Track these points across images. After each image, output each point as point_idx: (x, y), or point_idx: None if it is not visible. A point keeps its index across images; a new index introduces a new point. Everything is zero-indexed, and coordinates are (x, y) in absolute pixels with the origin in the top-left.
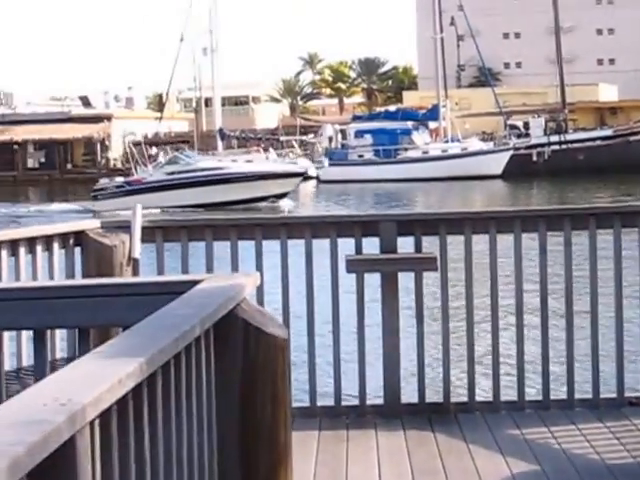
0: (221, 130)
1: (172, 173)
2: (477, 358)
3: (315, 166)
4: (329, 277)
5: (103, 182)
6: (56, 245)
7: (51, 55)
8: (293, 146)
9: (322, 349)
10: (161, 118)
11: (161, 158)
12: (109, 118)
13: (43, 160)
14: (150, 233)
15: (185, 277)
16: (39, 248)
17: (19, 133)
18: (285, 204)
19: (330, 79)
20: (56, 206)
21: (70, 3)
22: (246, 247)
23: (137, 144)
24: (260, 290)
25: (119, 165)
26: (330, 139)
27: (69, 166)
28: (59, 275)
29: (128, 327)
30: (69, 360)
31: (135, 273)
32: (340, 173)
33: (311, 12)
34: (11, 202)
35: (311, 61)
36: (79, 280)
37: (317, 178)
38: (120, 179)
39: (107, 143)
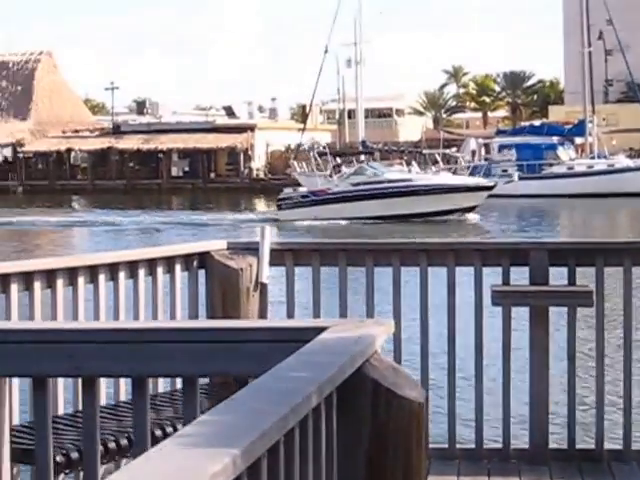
0: (364, 142)
1: (358, 184)
2: (635, 402)
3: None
4: (472, 309)
5: (287, 191)
6: (178, 267)
7: (197, 65)
8: (436, 160)
9: (463, 386)
10: (304, 129)
11: (345, 169)
12: (252, 128)
13: (187, 169)
14: (279, 256)
15: (307, 323)
16: (160, 270)
17: (164, 142)
18: (472, 217)
19: (474, 92)
20: (234, 215)
21: (216, 16)
22: (382, 274)
23: (322, 154)
24: (397, 322)
25: (262, 175)
26: (473, 153)
27: (212, 175)
28: (181, 299)
29: (237, 378)
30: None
31: (262, 299)
32: None
33: (456, 25)
34: (190, 210)
35: (455, 74)
36: (183, 322)
37: None
38: (304, 189)
39: (250, 153)
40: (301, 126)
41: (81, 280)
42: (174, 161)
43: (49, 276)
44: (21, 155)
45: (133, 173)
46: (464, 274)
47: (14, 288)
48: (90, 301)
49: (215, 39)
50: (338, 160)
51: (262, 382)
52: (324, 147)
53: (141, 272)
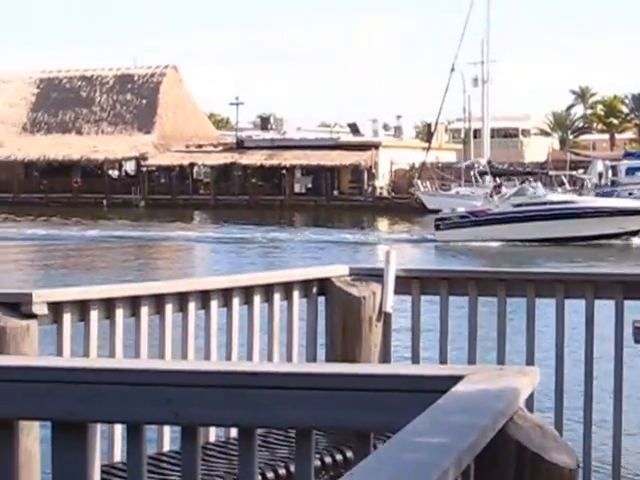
0: (489, 162)
1: (519, 205)
2: None
3: None
4: (612, 346)
5: (445, 211)
6: (296, 293)
7: (323, 82)
8: (562, 181)
9: (600, 427)
10: (429, 148)
11: (505, 189)
12: (377, 146)
13: (310, 186)
14: (405, 284)
15: (440, 370)
16: (277, 296)
17: (288, 158)
18: (638, 242)
19: (602, 114)
20: (388, 235)
21: (344, 34)
22: (517, 303)
23: (483, 173)
24: (530, 356)
25: (385, 194)
26: (600, 175)
27: (335, 193)
28: (298, 327)
29: (359, 432)
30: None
31: (386, 329)
32: None
33: (582, 45)
34: (336, 228)
35: (583, 95)
36: (300, 366)
37: None
38: (462, 209)
39: (374, 171)
40: (426, 145)
41: (192, 306)
42: (297, 177)
43: (158, 301)
44: (144, 169)
45: (256, 189)
46: (604, 307)
47: (119, 313)
48: (200, 327)
49: (342, 56)
50: (498, 180)
51: (388, 451)
52: (485, 165)
53: (256, 298)
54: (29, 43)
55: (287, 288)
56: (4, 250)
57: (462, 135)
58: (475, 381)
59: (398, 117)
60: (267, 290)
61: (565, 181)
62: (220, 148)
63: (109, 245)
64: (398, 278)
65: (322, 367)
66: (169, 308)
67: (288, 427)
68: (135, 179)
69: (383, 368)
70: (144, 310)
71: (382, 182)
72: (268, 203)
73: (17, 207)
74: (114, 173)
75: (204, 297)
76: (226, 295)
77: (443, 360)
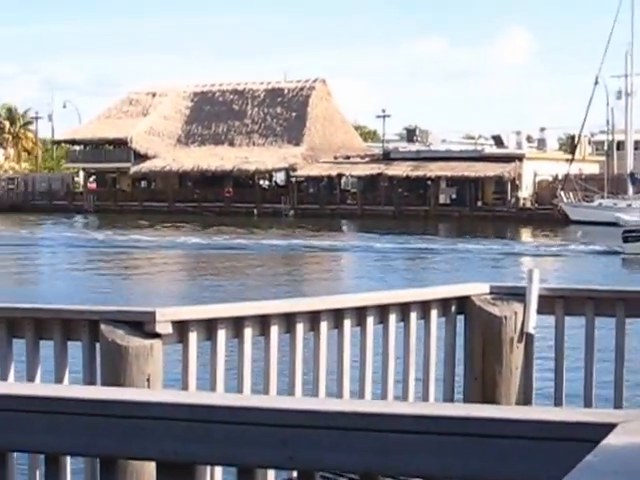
0: (632, 174)
1: None
2: None
3: None
4: None
5: (633, 223)
6: (434, 312)
7: (467, 94)
8: None
9: None
10: (572, 160)
11: None
12: (520, 158)
13: (454, 196)
14: (549, 303)
15: (589, 415)
16: (413, 315)
17: (433, 169)
18: None
19: None
20: (570, 245)
21: (488, 46)
22: None
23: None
24: None
25: (528, 204)
26: None
27: (479, 203)
28: (436, 348)
29: None
30: None
31: (528, 351)
32: None
33: None
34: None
35: None
36: (434, 406)
37: None
38: None
39: (517, 182)
40: (569, 157)
41: (324, 325)
42: (442, 188)
43: (288, 319)
44: (294, 179)
45: (401, 199)
46: None
47: (247, 332)
48: (333, 347)
49: (486, 69)
50: None
51: None
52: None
53: (392, 317)
54: (184, 58)
55: (424, 307)
56: (160, 259)
57: (605, 147)
58: (632, 431)
59: (542, 129)
60: (403, 309)
61: None
62: (367, 159)
63: (259, 254)
64: (541, 297)
65: (459, 409)
66: (300, 327)
67: (418, 476)
68: (284, 189)
69: (523, 412)
70: (273, 329)
71: (525, 193)
72: (413, 213)
73: (172, 215)
74: (264, 183)
75: (337, 315)
76: (360, 314)
77: (588, 388)
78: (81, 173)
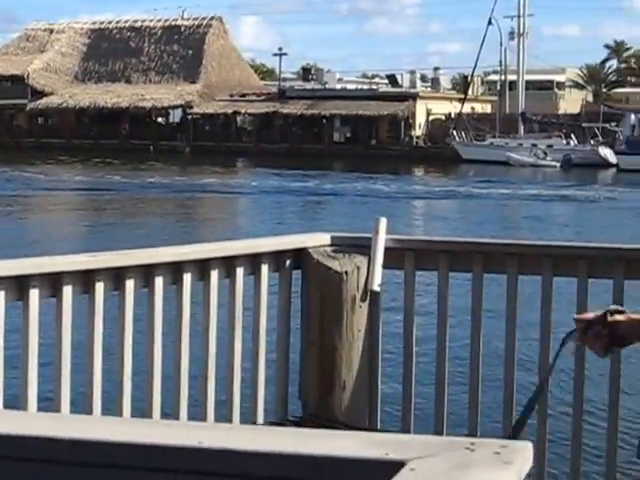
0: (523, 114)
1: None
2: None
3: None
4: None
5: None
6: (265, 267)
7: (363, 34)
8: (595, 133)
9: None
10: (465, 99)
11: None
12: (414, 97)
13: (349, 135)
14: (397, 257)
15: (365, 450)
16: (240, 271)
17: (328, 108)
18: None
19: (636, 67)
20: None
21: None
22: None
23: None
24: (544, 345)
25: (421, 143)
26: (633, 128)
27: (373, 142)
28: (266, 309)
29: None
30: None
31: (373, 311)
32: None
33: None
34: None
35: (617, 49)
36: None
37: (617, 166)
38: None
39: (411, 121)
40: (462, 96)
41: (130, 284)
42: (336, 127)
43: (84, 278)
44: (190, 117)
45: (296, 137)
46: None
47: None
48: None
49: (382, 9)
50: None
51: None
52: None
53: (214, 273)
54: None
55: (254, 261)
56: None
57: (498, 87)
58: (420, 475)
59: (436, 69)
60: (228, 263)
61: (598, 133)
62: (263, 98)
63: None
64: (388, 250)
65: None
66: (100, 287)
67: None
68: (181, 127)
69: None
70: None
71: (419, 132)
72: (308, 152)
73: (69, 152)
74: (161, 121)
75: (146, 272)
76: (176, 271)
77: (441, 348)
78: None
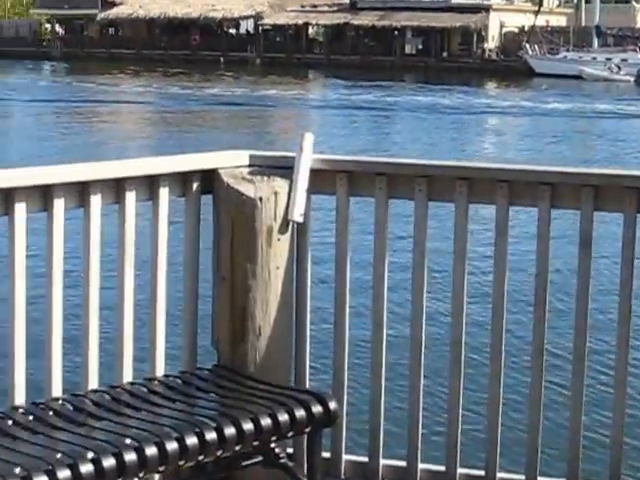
0: (598, 27)
1: None
2: None
3: None
4: None
5: None
6: (164, 191)
7: None
8: None
9: None
10: (538, 12)
11: None
12: (487, 9)
13: (420, 47)
14: (327, 179)
15: None
16: (130, 195)
17: (399, 19)
18: None
19: None
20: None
21: None
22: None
23: None
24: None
25: (494, 56)
26: None
27: (445, 54)
28: (167, 240)
29: None
30: None
31: (296, 247)
32: None
33: None
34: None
35: None
36: None
37: None
38: None
39: (484, 34)
40: (536, 8)
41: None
42: (408, 39)
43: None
44: (260, 28)
45: (367, 49)
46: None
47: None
48: None
49: None
50: None
51: None
52: None
53: (94, 199)
54: None
55: (153, 183)
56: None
57: (574, 0)
58: None
59: None
60: (118, 186)
61: None
62: (334, 9)
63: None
64: (316, 172)
65: None
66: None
67: None
68: (251, 38)
69: None
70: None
71: (491, 45)
72: (379, 64)
73: (139, 63)
74: (231, 31)
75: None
76: (46, 195)
77: (378, 293)
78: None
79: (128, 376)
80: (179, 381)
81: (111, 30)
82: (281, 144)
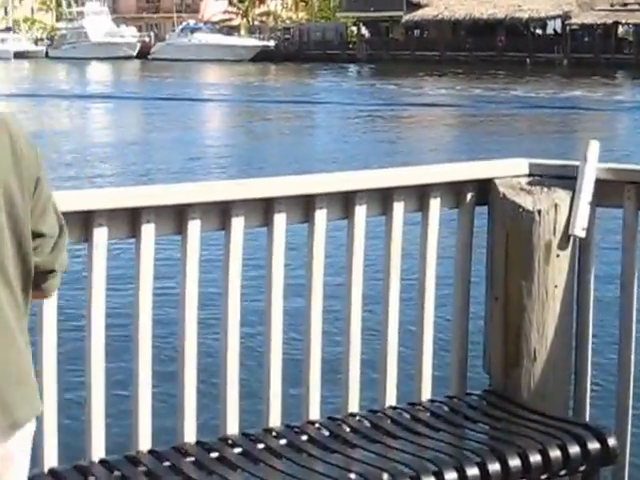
0: None
1: None
2: None
3: None
4: None
5: None
6: (434, 202)
7: None
8: None
9: None
10: None
11: None
12: None
13: None
14: (613, 190)
15: None
16: (397, 207)
17: None
18: None
19: None
20: None
21: None
22: None
23: None
24: None
25: None
26: None
27: None
28: (436, 254)
29: None
30: None
31: (576, 265)
32: None
33: None
34: None
35: None
36: None
37: None
38: None
39: None
40: None
41: (237, 222)
42: None
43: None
44: (568, 28)
45: None
46: None
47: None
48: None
49: None
50: None
51: None
52: None
53: (359, 210)
54: None
55: (423, 193)
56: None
57: None
58: None
59: None
60: (386, 197)
61: None
62: None
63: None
64: (602, 183)
65: None
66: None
67: None
68: (558, 38)
69: None
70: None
71: None
72: None
73: (443, 65)
74: (538, 32)
75: (267, 208)
76: (308, 204)
77: None
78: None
79: (391, 399)
80: (445, 408)
81: (416, 32)
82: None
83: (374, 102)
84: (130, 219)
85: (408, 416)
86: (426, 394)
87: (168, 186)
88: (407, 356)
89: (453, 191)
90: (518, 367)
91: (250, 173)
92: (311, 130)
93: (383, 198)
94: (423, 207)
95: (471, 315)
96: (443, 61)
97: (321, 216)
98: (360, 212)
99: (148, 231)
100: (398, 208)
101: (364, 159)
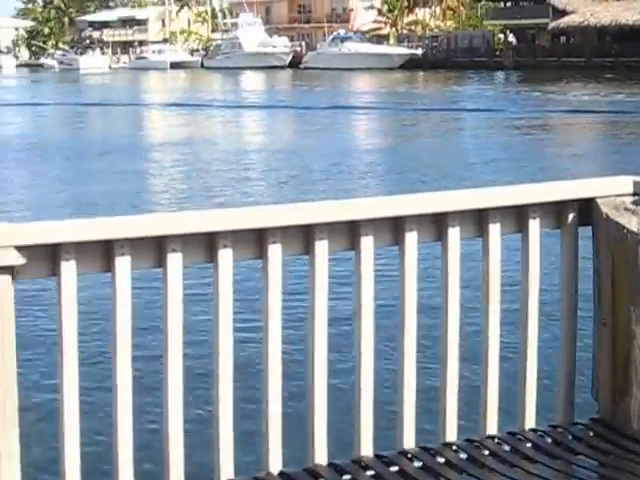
0: None
1: None
2: None
3: None
4: None
5: None
6: (533, 223)
7: None
8: None
9: None
10: None
11: None
12: None
13: None
14: None
15: None
16: (494, 228)
17: None
18: None
19: None
20: None
21: None
22: None
23: None
24: None
25: None
26: None
27: None
28: (539, 277)
29: None
30: None
31: None
32: None
33: None
34: None
35: None
36: None
37: None
38: None
39: None
40: None
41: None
42: None
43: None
44: None
45: None
46: None
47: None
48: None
49: None
50: None
51: None
52: None
53: (453, 232)
54: None
55: (520, 214)
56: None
57: None
58: None
59: None
60: (481, 218)
61: None
62: None
63: None
64: None
65: None
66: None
67: None
68: None
69: None
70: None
71: None
72: None
73: (589, 71)
74: None
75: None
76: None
77: None
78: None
79: (492, 428)
80: (548, 439)
81: (562, 39)
82: None
83: (512, 109)
84: (207, 244)
85: (507, 447)
86: (530, 423)
87: (245, 208)
88: (507, 384)
89: (553, 211)
90: (627, 396)
91: (419, 188)
92: (459, 138)
93: (478, 219)
94: (523, 228)
95: (579, 340)
96: (589, 67)
97: (454, 234)
98: (454, 234)
99: (226, 256)
100: (494, 230)
101: (526, 168)
